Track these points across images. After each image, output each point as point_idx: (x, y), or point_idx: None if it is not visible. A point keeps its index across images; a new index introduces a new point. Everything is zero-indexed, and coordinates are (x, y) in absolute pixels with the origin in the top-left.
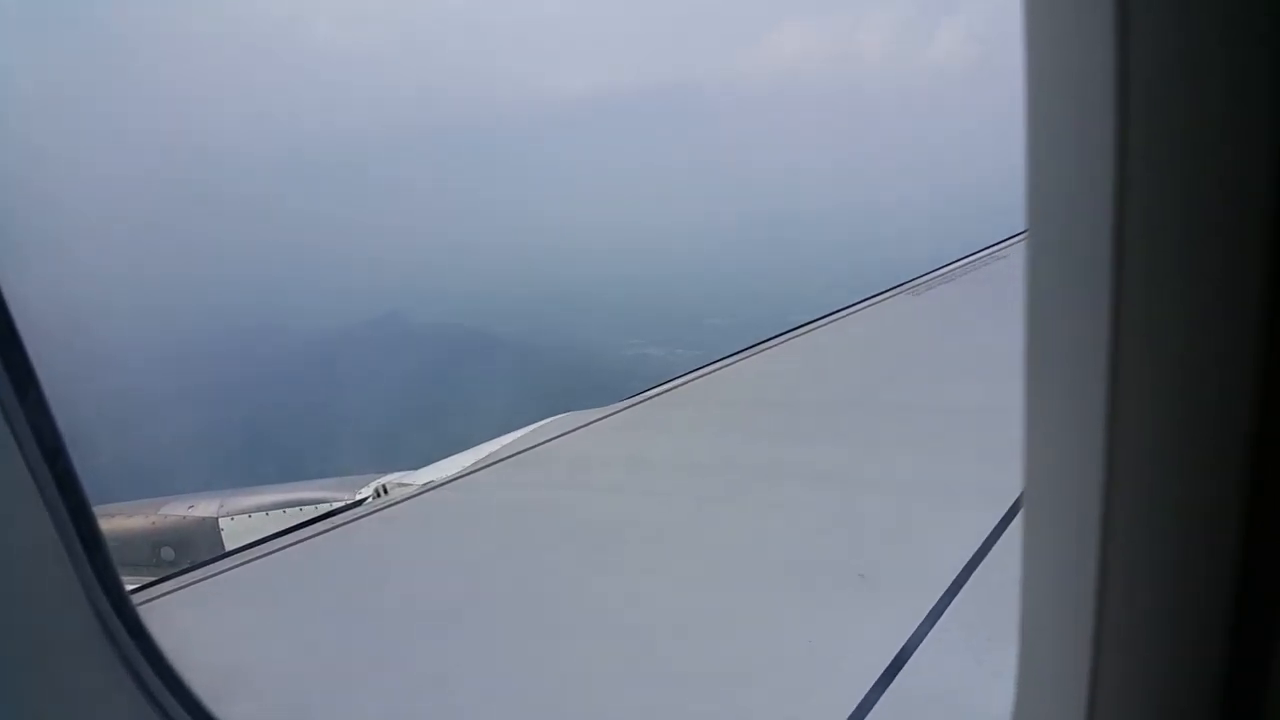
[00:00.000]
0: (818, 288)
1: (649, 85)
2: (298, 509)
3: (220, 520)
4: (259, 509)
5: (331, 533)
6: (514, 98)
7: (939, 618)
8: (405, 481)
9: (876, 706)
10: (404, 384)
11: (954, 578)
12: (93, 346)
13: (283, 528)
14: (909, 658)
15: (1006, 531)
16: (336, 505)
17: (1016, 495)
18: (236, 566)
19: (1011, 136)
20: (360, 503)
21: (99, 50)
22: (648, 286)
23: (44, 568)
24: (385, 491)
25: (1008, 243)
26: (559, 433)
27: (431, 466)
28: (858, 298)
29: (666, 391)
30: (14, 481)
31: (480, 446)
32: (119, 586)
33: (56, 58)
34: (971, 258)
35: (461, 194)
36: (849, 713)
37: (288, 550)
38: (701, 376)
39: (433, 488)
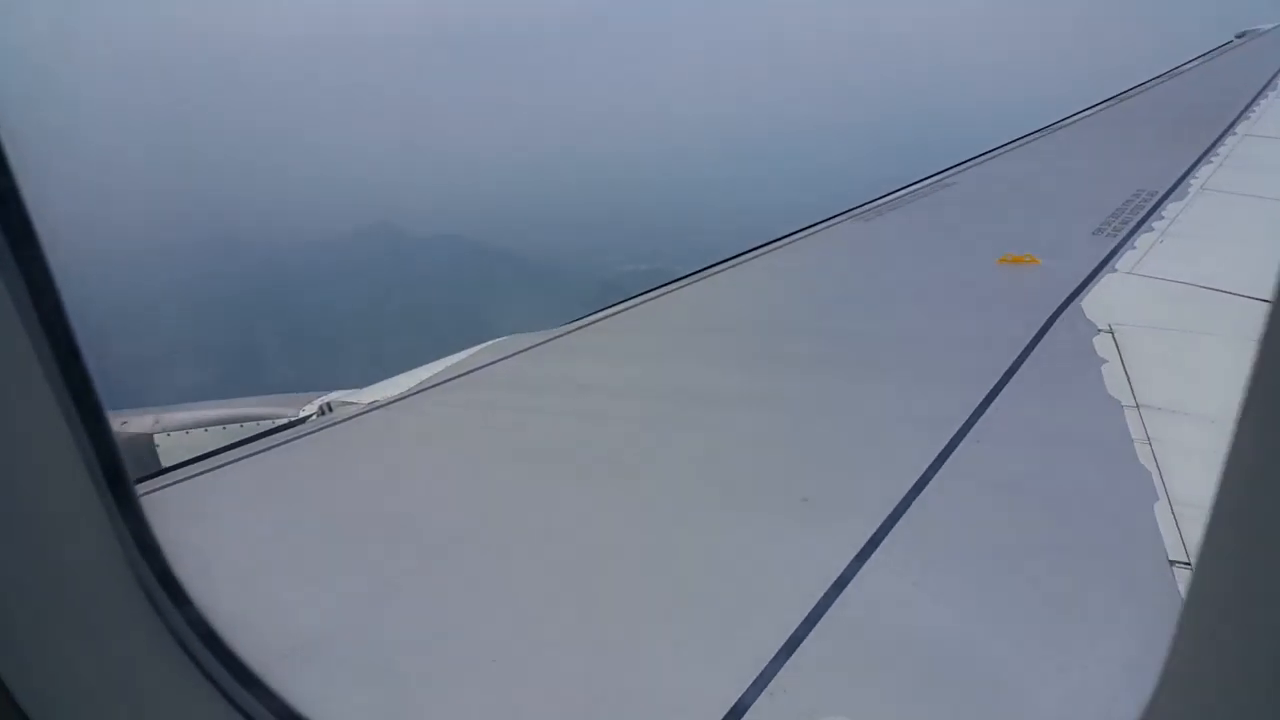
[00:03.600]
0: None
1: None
2: (238, 425)
3: (156, 437)
4: (197, 425)
5: (271, 451)
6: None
7: (879, 543)
8: (349, 400)
9: (816, 628)
10: (385, 297)
11: (895, 504)
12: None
13: (222, 444)
14: (849, 581)
15: (949, 460)
16: (279, 422)
17: (959, 424)
18: (171, 484)
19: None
20: (303, 420)
21: None
22: (658, 199)
23: (78, 527)
24: (330, 409)
25: (959, 168)
26: (503, 355)
27: (375, 386)
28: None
29: (615, 315)
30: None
31: (424, 367)
32: (149, 534)
33: None
34: (917, 185)
35: (464, 103)
36: (788, 635)
37: (226, 468)
38: (649, 300)
39: (377, 408)
